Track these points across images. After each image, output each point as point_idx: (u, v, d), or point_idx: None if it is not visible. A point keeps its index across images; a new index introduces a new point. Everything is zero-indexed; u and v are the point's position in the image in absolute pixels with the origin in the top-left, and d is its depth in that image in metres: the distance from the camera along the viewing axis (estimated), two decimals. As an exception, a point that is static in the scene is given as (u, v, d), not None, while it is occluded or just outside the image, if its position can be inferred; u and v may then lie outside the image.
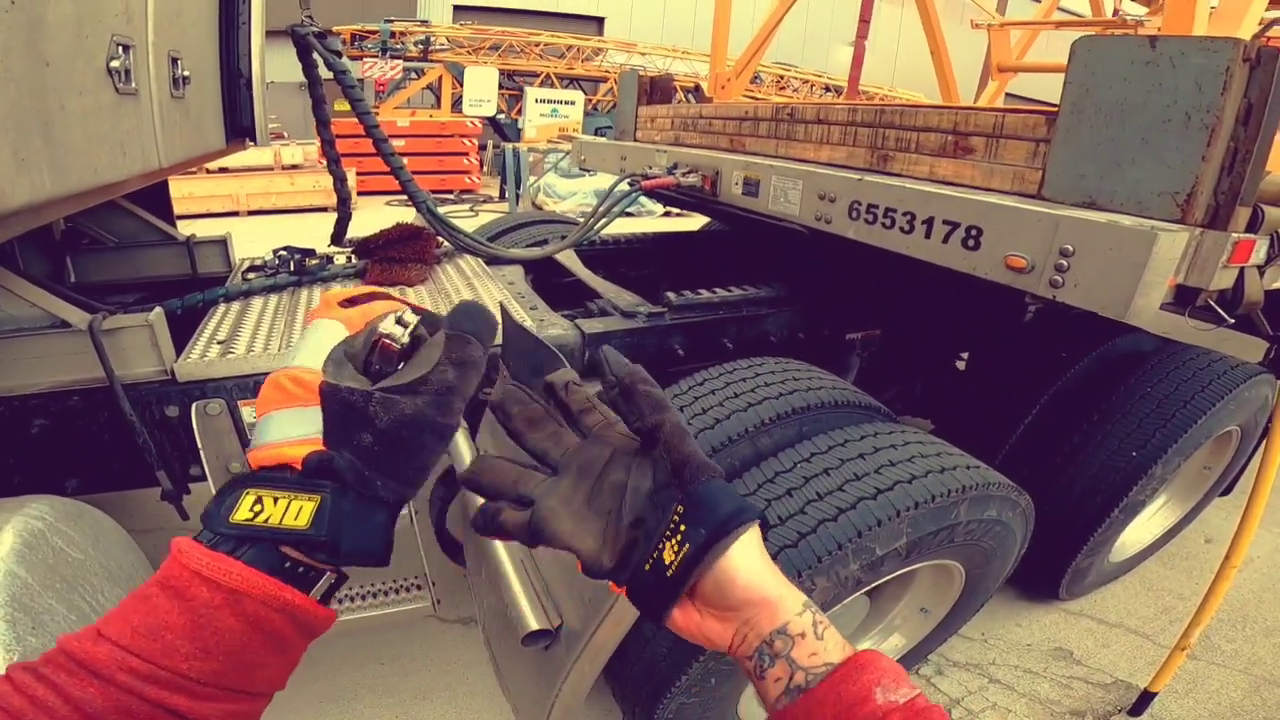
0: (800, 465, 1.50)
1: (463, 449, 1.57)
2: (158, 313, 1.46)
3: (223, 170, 9.28)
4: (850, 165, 1.81)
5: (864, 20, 6.95)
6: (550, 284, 2.56)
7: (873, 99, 14.06)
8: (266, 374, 1.51)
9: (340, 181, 2.52)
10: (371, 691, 1.99)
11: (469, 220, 9.40)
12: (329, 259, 2.33)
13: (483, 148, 13.20)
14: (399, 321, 0.47)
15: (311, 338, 0.48)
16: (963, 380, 2.65)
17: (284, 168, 9.81)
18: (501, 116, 13.61)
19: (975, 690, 2.06)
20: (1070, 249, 1.19)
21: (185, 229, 2.63)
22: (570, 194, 10.04)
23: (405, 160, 2.43)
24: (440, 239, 2.45)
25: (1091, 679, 2.12)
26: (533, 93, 13.44)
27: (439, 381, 0.45)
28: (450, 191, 11.89)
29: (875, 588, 1.64)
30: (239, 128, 2.17)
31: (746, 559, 0.46)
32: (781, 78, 15.30)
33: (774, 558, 1.39)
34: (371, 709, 1.95)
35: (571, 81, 14.56)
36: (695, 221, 3.90)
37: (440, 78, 13.10)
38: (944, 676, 2.10)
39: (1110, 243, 1.14)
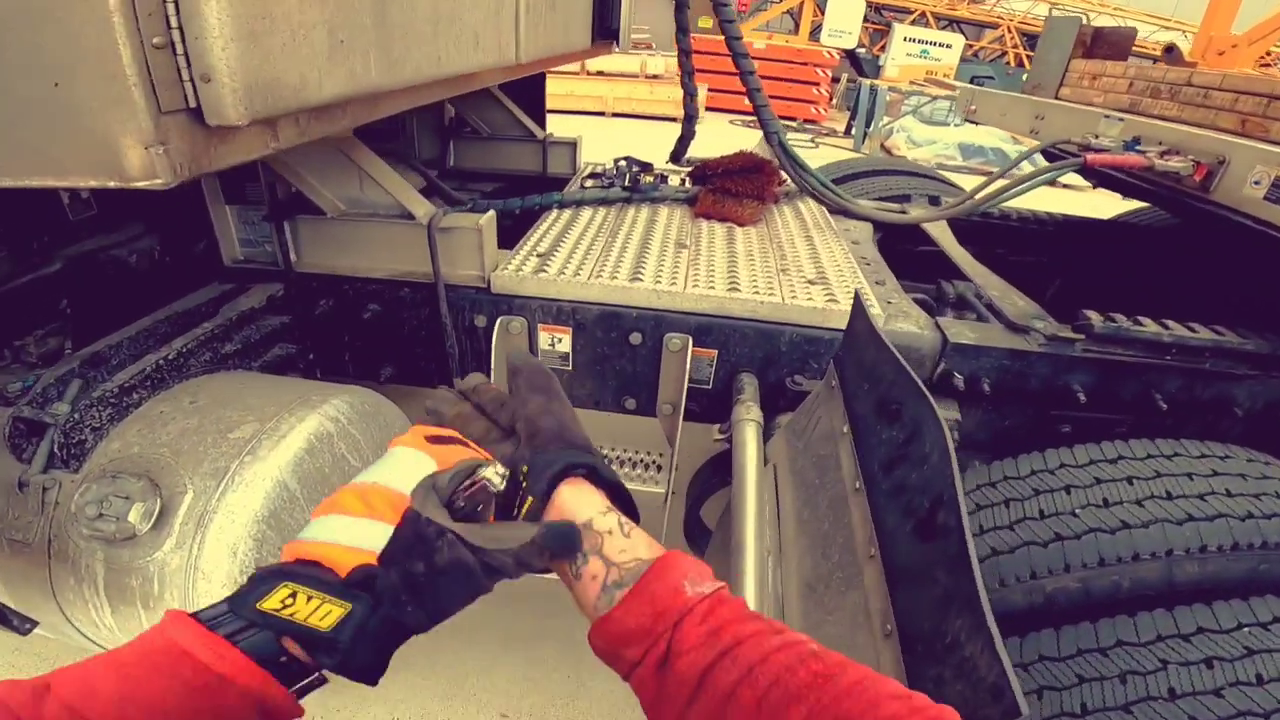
0: (1249, 631, 0.92)
1: (749, 444, 1.29)
2: (489, 216, 1.41)
3: (600, 73, 10.30)
4: None
5: None
6: (897, 249, 2.08)
7: None
8: (570, 301, 1.42)
9: (690, 96, 2.38)
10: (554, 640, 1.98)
11: (809, 153, 8.89)
12: (663, 177, 2.20)
13: (835, 80, 12.46)
14: (498, 471, 0.52)
15: (396, 462, 0.50)
16: None
17: (647, 77, 10.47)
18: (861, 50, 12.77)
19: None
20: None
21: (560, 125, 2.72)
22: (928, 142, 8.93)
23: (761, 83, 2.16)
24: (784, 176, 2.14)
25: None
26: (902, 30, 12.42)
27: (510, 555, 0.47)
28: (793, 119, 11.48)
29: None
30: (606, 30, 2.14)
31: (573, 495, 0.53)
32: (1268, 53, 11.19)
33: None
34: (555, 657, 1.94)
35: (950, 23, 12.91)
36: (1084, 202, 2.95)
37: (802, 3, 12.54)
38: None
39: None
